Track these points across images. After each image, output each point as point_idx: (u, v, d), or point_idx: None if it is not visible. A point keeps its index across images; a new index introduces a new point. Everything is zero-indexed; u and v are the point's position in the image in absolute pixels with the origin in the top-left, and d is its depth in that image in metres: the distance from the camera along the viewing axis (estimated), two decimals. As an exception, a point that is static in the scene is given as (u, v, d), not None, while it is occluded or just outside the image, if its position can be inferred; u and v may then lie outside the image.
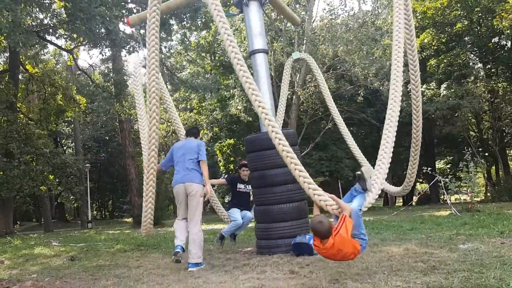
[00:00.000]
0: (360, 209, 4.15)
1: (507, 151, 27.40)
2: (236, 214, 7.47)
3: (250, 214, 7.39)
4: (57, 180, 20.93)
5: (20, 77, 21.41)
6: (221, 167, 30.58)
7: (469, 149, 14.58)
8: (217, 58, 27.16)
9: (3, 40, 17.05)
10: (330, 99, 9.72)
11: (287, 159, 4.43)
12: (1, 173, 16.97)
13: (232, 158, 28.61)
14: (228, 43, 4.94)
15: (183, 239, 5.80)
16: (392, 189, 8.32)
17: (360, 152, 9.14)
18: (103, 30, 16.37)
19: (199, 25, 21.03)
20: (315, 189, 4.28)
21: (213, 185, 8.27)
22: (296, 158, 4.45)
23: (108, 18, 15.06)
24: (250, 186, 7.35)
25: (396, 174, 34.53)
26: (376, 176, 4.57)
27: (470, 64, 25.21)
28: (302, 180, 4.34)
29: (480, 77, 24.69)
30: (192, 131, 6.39)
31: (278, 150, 4.55)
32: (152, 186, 5.93)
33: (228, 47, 4.98)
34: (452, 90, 21.30)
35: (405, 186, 7.61)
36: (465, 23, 23.20)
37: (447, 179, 13.79)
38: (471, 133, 26.63)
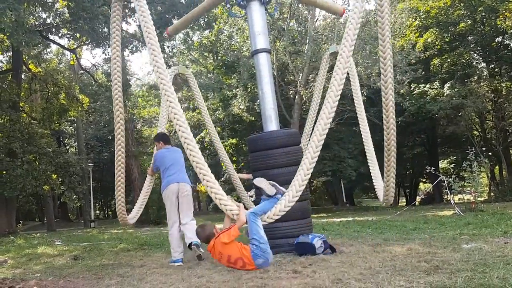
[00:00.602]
0: (255, 213, 4.23)
1: (511, 151, 27.31)
2: None
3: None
4: (60, 180, 20.97)
5: (23, 76, 21.46)
6: (224, 167, 30.59)
7: (473, 149, 14.52)
8: (219, 57, 27.17)
9: (6, 40, 17.08)
10: (360, 102, 8.55)
11: (197, 168, 4.60)
12: (4, 172, 17.01)
13: (234, 158, 28.62)
14: (152, 57, 4.98)
15: (182, 250, 6.22)
16: (379, 196, 7.47)
17: (377, 166, 8.11)
18: (106, 30, 16.41)
19: (202, 24, 21.06)
20: (221, 198, 4.45)
21: (241, 180, 8.38)
22: (204, 167, 4.56)
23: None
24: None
25: (399, 175, 34.49)
26: (293, 182, 4.61)
27: (474, 63, 25.16)
28: (210, 190, 4.54)
29: (484, 77, 24.64)
30: (165, 137, 6.81)
31: (190, 160, 4.67)
32: (121, 181, 6.44)
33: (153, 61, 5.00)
34: (456, 90, 21.26)
35: (384, 198, 6.68)
36: (469, 22, 23.16)
37: (450, 179, 13.75)
38: (475, 132, 26.57)
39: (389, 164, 5.93)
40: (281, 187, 4.67)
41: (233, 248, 4.06)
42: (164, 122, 8.09)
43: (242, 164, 28.02)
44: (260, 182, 4.61)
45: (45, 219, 29.39)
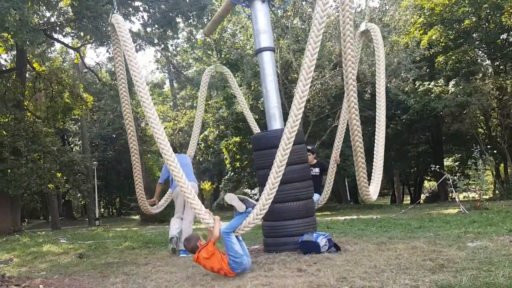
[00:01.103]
0: (227, 232, 4.77)
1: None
2: None
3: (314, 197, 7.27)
4: (64, 178, 21.04)
5: (27, 75, 21.52)
6: (227, 165, 30.64)
7: (478, 147, 14.47)
8: (223, 56, 27.13)
9: (10, 39, 17.12)
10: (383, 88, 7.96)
11: (178, 181, 5.23)
12: (9, 171, 17.08)
13: (238, 156, 28.65)
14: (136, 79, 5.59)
15: (176, 233, 6.86)
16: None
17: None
18: (110, 28, 16.41)
19: (205, 23, 21.01)
20: (200, 212, 5.08)
21: None
22: (185, 184, 5.18)
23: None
24: (318, 169, 7.42)
25: (404, 172, 34.39)
26: (262, 195, 5.14)
27: (479, 61, 25.02)
28: (190, 204, 5.14)
29: (489, 74, 24.51)
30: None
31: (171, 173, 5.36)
32: (138, 173, 7.08)
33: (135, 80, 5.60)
34: (461, 87, 21.16)
35: (361, 195, 6.65)
36: (473, 19, 23.03)
37: (455, 177, 13.71)
38: (480, 130, 26.44)
39: (357, 164, 5.96)
40: (252, 200, 5.10)
41: (214, 260, 4.59)
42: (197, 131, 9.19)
43: (246, 162, 28.02)
44: (231, 199, 4.97)
45: (49, 217, 29.51)
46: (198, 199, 5.23)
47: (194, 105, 34.36)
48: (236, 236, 4.89)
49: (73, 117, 29.04)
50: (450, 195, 25.87)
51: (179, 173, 5.18)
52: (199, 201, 5.18)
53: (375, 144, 7.39)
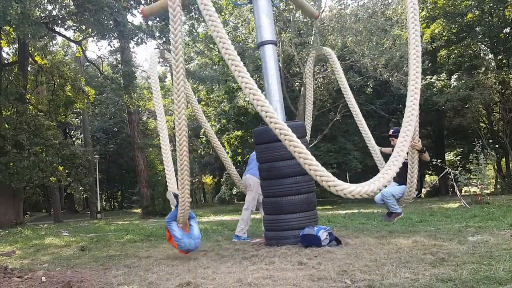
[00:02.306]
0: (167, 221, 5.72)
1: (518, 143, 27.11)
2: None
3: (392, 188, 6.63)
4: (66, 171, 21.07)
5: (29, 68, 21.52)
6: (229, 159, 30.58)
7: (479, 141, 14.44)
8: (225, 49, 27.02)
9: (12, 32, 17.11)
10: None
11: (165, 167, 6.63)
12: (11, 164, 17.12)
13: (239, 150, 28.64)
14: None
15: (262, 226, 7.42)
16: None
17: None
18: (111, 22, 16.39)
19: (207, 16, 20.92)
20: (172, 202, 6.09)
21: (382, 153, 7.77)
22: (169, 166, 6.39)
23: (116, 10, 15.08)
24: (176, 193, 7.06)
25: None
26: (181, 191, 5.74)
27: (481, 55, 24.92)
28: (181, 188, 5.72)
29: (491, 68, 24.43)
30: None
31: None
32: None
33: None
34: (463, 81, 21.09)
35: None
36: (476, 13, 22.91)
37: (456, 171, 13.70)
38: (482, 124, 26.39)
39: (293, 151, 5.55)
40: None
41: (172, 242, 5.73)
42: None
43: (247, 156, 28.02)
44: (169, 195, 6.04)
45: (51, 211, 29.63)
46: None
47: (196, 98, 34.26)
48: (193, 218, 5.92)
49: (75, 110, 29.08)
50: (451, 189, 25.88)
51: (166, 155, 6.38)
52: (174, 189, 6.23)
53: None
